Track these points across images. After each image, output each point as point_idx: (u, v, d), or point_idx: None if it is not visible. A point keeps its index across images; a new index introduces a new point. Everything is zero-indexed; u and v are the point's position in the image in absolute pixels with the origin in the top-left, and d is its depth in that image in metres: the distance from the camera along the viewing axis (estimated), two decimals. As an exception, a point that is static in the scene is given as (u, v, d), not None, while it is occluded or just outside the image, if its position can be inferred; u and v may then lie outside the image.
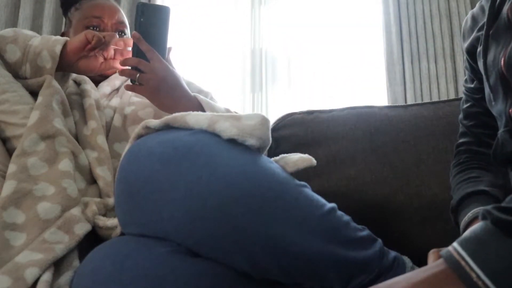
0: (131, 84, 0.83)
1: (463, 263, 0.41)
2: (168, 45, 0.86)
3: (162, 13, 0.83)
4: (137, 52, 0.82)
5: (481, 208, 0.61)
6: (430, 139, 0.88)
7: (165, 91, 0.82)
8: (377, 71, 2.34)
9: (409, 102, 2.18)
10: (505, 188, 0.67)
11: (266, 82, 2.31)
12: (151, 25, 0.82)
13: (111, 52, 0.88)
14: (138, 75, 0.81)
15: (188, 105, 0.84)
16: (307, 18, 2.42)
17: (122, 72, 0.83)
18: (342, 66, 2.36)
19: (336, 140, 0.93)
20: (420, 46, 2.24)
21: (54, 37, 0.84)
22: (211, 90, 1.07)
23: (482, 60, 0.63)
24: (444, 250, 0.44)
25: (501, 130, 0.62)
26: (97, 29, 0.99)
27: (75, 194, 0.69)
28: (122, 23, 1.03)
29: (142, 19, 0.81)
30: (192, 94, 0.87)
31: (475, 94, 0.74)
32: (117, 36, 0.88)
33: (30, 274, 0.56)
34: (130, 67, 0.83)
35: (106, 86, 0.96)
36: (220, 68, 2.36)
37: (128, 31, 1.06)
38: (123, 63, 0.83)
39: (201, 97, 0.88)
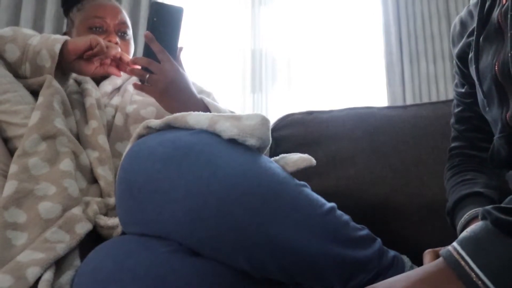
0: (139, 83, 0.83)
1: (462, 262, 0.41)
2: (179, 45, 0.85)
3: (175, 13, 0.82)
4: (148, 52, 0.81)
5: (480, 208, 0.61)
6: (429, 139, 0.89)
7: (173, 93, 0.82)
8: (376, 72, 2.34)
9: (408, 102, 2.18)
10: (500, 189, 0.67)
11: (266, 82, 2.31)
12: (164, 25, 0.81)
13: (107, 59, 0.88)
14: (147, 75, 0.81)
15: (195, 108, 0.83)
16: (307, 18, 2.42)
17: (131, 71, 0.83)
18: (342, 66, 2.37)
19: (336, 140, 0.93)
20: (419, 46, 2.24)
21: (53, 36, 0.85)
22: (212, 91, 1.07)
23: (474, 66, 0.63)
24: (443, 250, 0.44)
25: (496, 136, 0.62)
26: (100, 30, 0.99)
27: (76, 194, 0.69)
28: (124, 23, 1.03)
29: (155, 19, 0.80)
30: (199, 96, 0.87)
31: (466, 99, 0.74)
32: (119, 49, 0.88)
33: (31, 273, 0.56)
34: (140, 67, 0.82)
35: (107, 85, 0.96)
36: (220, 68, 2.36)
37: (130, 32, 1.06)
38: (133, 62, 0.83)
39: (207, 99, 0.88)
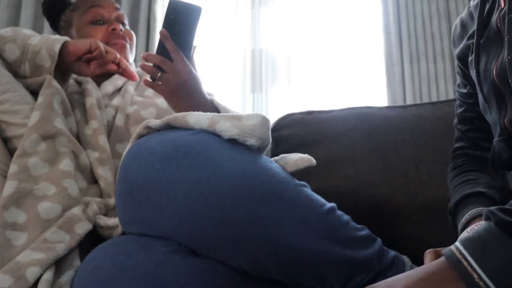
0: (150, 80, 0.82)
1: (465, 263, 0.41)
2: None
3: (193, 12, 0.80)
4: (162, 50, 0.80)
5: (481, 208, 0.61)
6: (429, 139, 0.89)
7: (184, 94, 0.81)
8: (376, 72, 2.34)
9: (408, 102, 2.18)
10: (502, 189, 0.67)
11: (266, 82, 2.31)
12: (180, 23, 0.79)
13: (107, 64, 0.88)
14: (159, 74, 0.80)
15: (204, 111, 0.83)
16: (307, 18, 2.42)
17: (143, 67, 0.82)
18: (341, 66, 2.36)
19: (336, 140, 0.93)
20: (419, 46, 2.24)
21: (53, 36, 0.85)
22: (213, 92, 1.06)
23: (474, 70, 0.63)
24: (445, 249, 0.44)
25: (496, 139, 0.62)
26: (101, 22, 1.00)
27: (75, 194, 0.69)
28: (122, 14, 1.04)
29: (172, 17, 0.79)
30: (209, 98, 0.87)
31: (468, 99, 0.74)
32: (118, 55, 0.88)
33: (31, 273, 0.56)
34: (152, 64, 0.81)
35: (108, 86, 0.96)
36: (220, 68, 2.36)
37: (127, 21, 1.07)
38: (146, 58, 0.81)
39: (217, 101, 0.88)
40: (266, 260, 0.54)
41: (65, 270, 0.61)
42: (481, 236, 0.42)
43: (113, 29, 0.99)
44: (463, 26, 0.72)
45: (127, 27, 1.06)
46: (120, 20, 1.03)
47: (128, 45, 1.02)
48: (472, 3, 0.71)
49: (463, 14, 0.73)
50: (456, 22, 0.75)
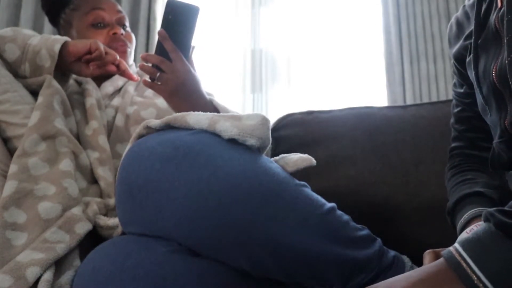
0: (150, 80, 0.82)
1: (464, 264, 0.41)
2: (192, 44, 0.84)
3: (191, 12, 0.80)
4: (161, 50, 0.80)
5: (480, 208, 0.61)
6: (429, 139, 0.89)
7: (183, 94, 0.81)
8: (376, 72, 2.34)
9: (408, 102, 2.18)
10: (501, 189, 0.67)
11: (266, 82, 2.31)
12: (178, 23, 0.80)
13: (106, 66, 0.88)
14: (158, 74, 0.80)
15: (204, 110, 0.83)
16: (307, 18, 2.42)
17: (141, 67, 0.82)
18: (341, 66, 2.36)
19: (336, 140, 0.93)
20: (419, 46, 2.24)
21: (53, 36, 0.85)
22: (213, 92, 1.06)
23: (473, 71, 0.62)
24: (445, 250, 0.44)
25: (496, 140, 0.62)
26: (102, 25, 1.00)
27: (75, 194, 0.69)
28: (123, 16, 1.04)
29: (170, 17, 0.79)
30: (208, 98, 0.87)
31: (465, 99, 0.74)
32: (118, 57, 0.88)
33: (31, 273, 0.56)
34: (151, 64, 0.81)
35: (109, 87, 0.96)
36: (220, 68, 2.36)
37: (128, 23, 1.07)
38: (144, 58, 0.81)
39: (216, 101, 0.88)
40: (266, 260, 0.54)
41: (65, 270, 0.61)
42: (480, 238, 0.42)
43: (114, 33, 0.99)
44: (459, 25, 0.72)
45: (128, 29, 1.06)
46: (121, 23, 1.03)
47: (128, 50, 1.02)
48: (467, 3, 0.70)
49: (459, 13, 0.72)
50: (452, 21, 0.74)
